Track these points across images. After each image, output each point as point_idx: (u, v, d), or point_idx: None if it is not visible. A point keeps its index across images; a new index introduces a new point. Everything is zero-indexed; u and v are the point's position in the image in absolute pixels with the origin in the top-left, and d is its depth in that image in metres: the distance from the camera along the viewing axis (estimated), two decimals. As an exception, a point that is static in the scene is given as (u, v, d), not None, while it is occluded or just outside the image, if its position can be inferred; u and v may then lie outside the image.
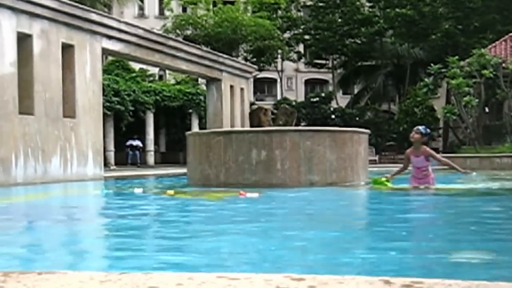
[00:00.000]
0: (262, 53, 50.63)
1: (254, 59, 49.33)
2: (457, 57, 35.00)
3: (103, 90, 24.80)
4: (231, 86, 31.82)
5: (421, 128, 12.72)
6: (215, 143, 14.03)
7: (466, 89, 32.79)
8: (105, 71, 36.42)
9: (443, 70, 35.55)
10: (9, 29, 16.86)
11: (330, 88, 64.41)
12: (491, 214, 7.75)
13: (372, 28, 55.26)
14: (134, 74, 43.24)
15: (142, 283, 2.60)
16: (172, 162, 43.06)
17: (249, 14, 50.27)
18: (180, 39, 35.60)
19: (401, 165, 13.32)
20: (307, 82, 71.80)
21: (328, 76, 66.08)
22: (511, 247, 5.20)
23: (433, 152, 12.85)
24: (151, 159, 41.66)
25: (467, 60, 34.84)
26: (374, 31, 55.37)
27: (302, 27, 58.80)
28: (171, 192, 11.90)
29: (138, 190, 12.91)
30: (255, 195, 10.70)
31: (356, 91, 65.48)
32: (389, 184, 12.46)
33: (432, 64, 37.06)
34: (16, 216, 8.64)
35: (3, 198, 12.20)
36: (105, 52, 22.32)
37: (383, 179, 12.63)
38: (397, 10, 49.83)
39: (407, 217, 7.76)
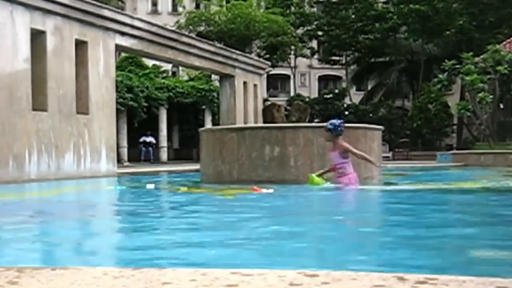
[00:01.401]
0: (275, 49, 50.55)
1: (267, 55, 49.27)
2: (471, 53, 34.84)
3: (116, 86, 24.83)
4: (244, 83, 31.82)
5: (327, 124, 12.04)
6: (228, 139, 14.02)
7: (481, 85, 32.64)
8: (118, 67, 36.46)
9: (457, 66, 35.38)
10: (22, 25, 16.91)
11: (344, 85, 64.33)
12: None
13: (385, 24, 55.07)
14: (147, 71, 43.23)
15: (156, 279, 2.59)
16: (185, 158, 43.06)
17: (262, 10, 50.20)
18: (193, 35, 35.60)
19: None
20: (321, 79, 71.68)
21: (341, 73, 65.99)
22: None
23: (349, 147, 11.93)
24: (164, 155, 41.67)
25: (482, 56, 34.67)
26: (388, 27, 55.20)
27: (315, 23, 58.70)
28: (184, 188, 11.92)
29: (150, 186, 12.95)
30: (270, 191, 10.72)
31: (369, 87, 65.34)
32: (320, 182, 11.77)
33: (446, 60, 36.87)
34: (29, 212, 8.66)
35: (17, 194, 12.25)
36: (118, 48, 22.35)
37: (314, 176, 11.93)
38: (411, 6, 49.67)
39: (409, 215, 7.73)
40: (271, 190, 10.82)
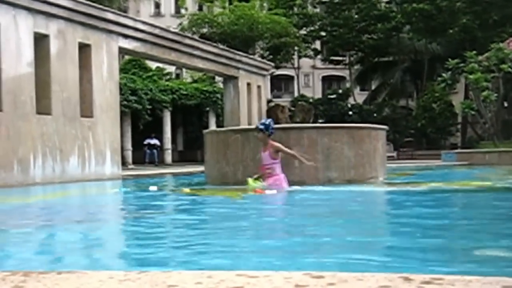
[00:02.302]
0: (279, 50, 50.63)
1: (271, 56, 49.34)
2: (475, 51, 34.83)
3: (120, 89, 24.86)
4: (248, 84, 31.80)
5: (258, 124, 12.06)
6: (233, 141, 14.03)
7: (485, 83, 32.64)
8: (122, 70, 36.52)
9: (461, 65, 35.39)
10: (26, 29, 16.93)
11: (347, 85, 64.39)
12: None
13: (389, 23, 55.14)
14: (151, 73, 43.30)
15: (161, 282, 2.59)
16: (189, 160, 43.12)
17: (264, 12, 50.25)
18: (196, 37, 35.62)
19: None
20: (324, 79, 71.68)
21: (345, 73, 66.01)
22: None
23: (280, 146, 11.86)
24: (168, 157, 41.72)
25: (486, 55, 34.67)
26: (391, 27, 55.27)
27: (318, 23, 58.80)
28: (186, 190, 11.93)
29: (153, 188, 12.95)
30: (273, 191, 10.74)
31: (373, 87, 65.40)
32: (254, 184, 11.71)
33: (450, 59, 36.88)
34: (34, 215, 8.67)
35: (22, 197, 12.27)
36: (122, 51, 22.35)
37: (251, 180, 11.89)
38: (415, 5, 49.67)
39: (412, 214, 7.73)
40: (274, 191, 10.84)
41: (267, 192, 10.76)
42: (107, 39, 20.20)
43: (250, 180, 11.89)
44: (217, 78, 43.67)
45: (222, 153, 14.29)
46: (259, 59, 38.48)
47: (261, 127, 11.84)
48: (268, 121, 12.11)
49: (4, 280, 2.74)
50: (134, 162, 37.49)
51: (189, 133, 46.96)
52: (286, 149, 11.99)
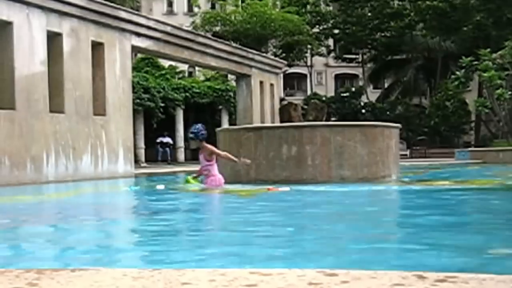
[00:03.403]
0: (291, 48, 50.58)
1: (284, 55, 49.30)
2: (489, 49, 34.67)
3: (133, 87, 24.90)
4: (261, 82, 31.79)
5: (188, 134, 12.42)
6: (246, 139, 14.01)
7: (499, 81, 32.51)
8: (135, 68, 36.55)
9: (474, 62, 35.22)
10: (39, 28, 16.99)
11: (360, 83, 64.27)
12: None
13: (402, 21, 55.01)
14: (163, 71, 43.33)
15: (175, 279, 2.59)
16: (202, 158, 43.08)
17: (277, 10, 50.22)
18: (209, 35, 35.64)
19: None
20: (337, 77, 71.54)
21: (358, 71, 65.90)
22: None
23: (213, 148, 12.38)
24: (181, 156, 41.71)
25: (499, 53, 34.49)
26: (405, 25, 55.15)
27: (331, 21, 58.74)
28: (190, 179, 12.06)
29: (160, 187, 12.95)
30: (286, 189, 10.77)
31: (386, 85, 65.25)
32: (194, 182, 12.23)
33: (463, 57, 36.71)
34: (48, 213, 8.69)
35: (34, 195, 12.30)
36: (135, 49, 22.39)
37: (190, 177, 12.45)
38: (428, 2, 49.49)
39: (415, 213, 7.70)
40: (287, 188, 10.88)
41: (281, 189, 10.84)
42: (120, 38, 20.24)
43: (189, 177, 12.45)
44: (230, 76, 43.67)
45: (235, 152, 14.26)
46: (272, 57, 38.47)
47: (191, 135, 12.25)
48: (197, 127, 12.40)
49: (18, 277, 2.74)
50: (147, 160, 37.51)
51: (202, 131, 46.93)
52: (218, 151, 12.54)
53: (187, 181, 12.36)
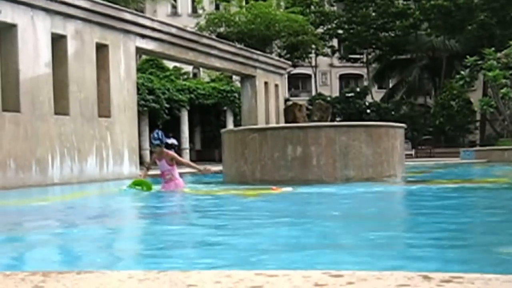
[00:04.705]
0: (296, 48, 50.53)
1: (288, 55, 49.28)
2: (493, 48, 34.62)
3: (138, 89, 24.92)
4: (266, 83, 31.79)
5: (154, 142, 12.63)
6: (250, 140, 14.03)
7: (503, 81, 32.47)
8: (139, 70, 36.59)
9: (479, 62, 35.16)
10: (43, 30, 17.02)
11: (365, 83, 64.16)
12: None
13: (406, 21, 54.97)
14: (168, 73, 43.35)
15: (181, 282, 2.59)
16: (207, 159, 43.10)
17: (281, 10, 50.21)
18: (213, 36, 35.65)
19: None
20: (342, 77, 71.46)
21: (362, 71, 65.81)
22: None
23: (174, 155, 12.68)
24: (186, 156, 41.65)
25: (504, 52, 34.42)
26: (409, 24, 55.10)
27: (335, 21, 58.66)
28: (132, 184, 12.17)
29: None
30: (289, 189, 10.81)
31: (391, 85, 65.18)
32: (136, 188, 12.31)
33: (468, 56, 36.65)
34: (53, 216, 8.70)
35: (40, 198, 12.32)
36: (139, 51, 22.41)
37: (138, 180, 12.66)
38: (432, 1, 49.45)
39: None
40: (289, 188, 10.93)
41: (284, 189, 10.89)
42: (125, 39, 20.26)
43: (131, 184, 12.51)
44: (235, 77, 43.70)
45: (240, 152, 14.30)
46: (276, 58, 38.48)
47: (157, 142, 12.50)
48: (159, 134, 12.64)
49: (24, 280, 2.74)
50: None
51: (207, 132, 46.98)
52: (179, 158, 13.09)
53: (136, 183, 12.43)
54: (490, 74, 32.57)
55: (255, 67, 30.63)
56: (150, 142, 13.01)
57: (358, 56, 63.54)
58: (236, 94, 41.96)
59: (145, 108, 36.29)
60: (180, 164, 12.93)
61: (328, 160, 13.26)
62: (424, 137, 51.86)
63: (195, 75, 55.42)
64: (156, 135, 12.58)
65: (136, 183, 12.35)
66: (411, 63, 59.74)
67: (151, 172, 13.54)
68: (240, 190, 11.43)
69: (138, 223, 7.63)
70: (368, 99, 57.45)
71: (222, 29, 47.65)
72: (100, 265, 4.23)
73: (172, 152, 12.59)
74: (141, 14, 23.42)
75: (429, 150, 47.37)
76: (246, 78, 31.15)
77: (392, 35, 57.97)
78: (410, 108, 56.76)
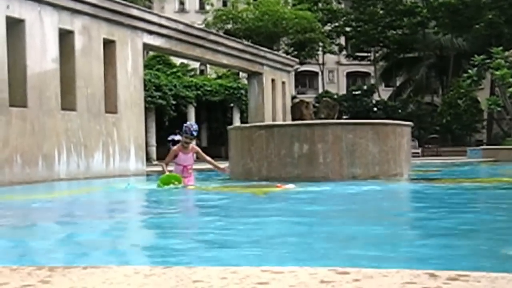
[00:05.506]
0: (303, 46, 50.53)
1: (295, 52, 49.25)
2: (501, 47, 34.56)
3: (145, 85, 24.91)
4: (273, 80, 31.78)
5: (193, 132, 12.44)
6: (257, 137, 14.03)
7: (511, 80, 32.38)
8: (146, 66, 36.65)
9: (487, 61, 35.11)
10: (51, 25, 17.02)
11: (372, 81, 64.13)
12: None
13: (414, 18, 54.86)
14: (175, 69, 43.43)
15: (186, 277, 2.59)
16: (213, 156, 42.59)
17: (289, 7, 50.18)
18: (221, 33, 35.63)
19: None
20: (349, 75, 71.45)
21: (370, 69, 65.76)
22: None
23: (200, 150, 12.69)
24: (192, 153, 41.76)
25: (512, 51, 34.40)
26: (417, 22, 55.00)
27: (343, 19, 58.63)
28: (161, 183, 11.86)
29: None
30: (291, 186, 10.83)
31: (398, 83, 65.11)
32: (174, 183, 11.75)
33: (475, 55, 36.59)
34: (59, 211, 8.72)
35: (46, 193, 12.34)
36: (146, 47, 22.40)
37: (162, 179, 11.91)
38: (440, 0, 49.36)
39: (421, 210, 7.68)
40: (292, 186, 10.93)
41: (287, 186, 10.92)
42: (132, 35, 20.26)
43: (161, 181, 11.90)
44: (242, 74, 43.70)
45: (246, 149, 14.30)
46: (284, 55, 38.43)
47: (196, 134, 12.51)
48: (196, 126, 12.66)
49: (30, 274, 2.75)
50: (158, 158, 37.53)
51: (213, 129, 47.04)
52: (203, 153, 12.97)
53: (164, 181, 11.80)
54: (498, 73, 32.52)
55: (262, 64, 30.62)
56: (185, 132, 12.41)
57: (365, 54, 63.51)
58: (243, 91, 41.98)
59: (152, 105, 36.35)
60: (203, 160, 12.87)
61: (334, 157, 13.25)
62: (431, 136, 51.77)
63: (202, 71, 55.48)
64: (195, 126, 12.56)
65: (164, 182, 11.72)
66: (418, 62, 59.63)
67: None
68: (246, 188, 11.42)
69: (143, 218, 7.62)
70: (375, 97, 57.41)
71: (229, 26, 47.67)
72: (107, 260, 4.23)
73: (197, 147, 12.69)
74: (148, 10, 23.43)
75: (436, 149, 47.32)
76: (253, 75, 31.14)
77: (400, 33, 57.89)
78: (417, 106, 56.71)
